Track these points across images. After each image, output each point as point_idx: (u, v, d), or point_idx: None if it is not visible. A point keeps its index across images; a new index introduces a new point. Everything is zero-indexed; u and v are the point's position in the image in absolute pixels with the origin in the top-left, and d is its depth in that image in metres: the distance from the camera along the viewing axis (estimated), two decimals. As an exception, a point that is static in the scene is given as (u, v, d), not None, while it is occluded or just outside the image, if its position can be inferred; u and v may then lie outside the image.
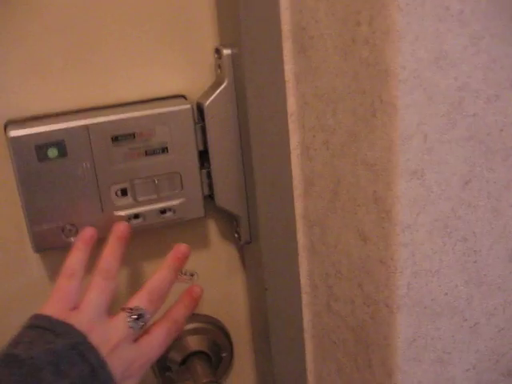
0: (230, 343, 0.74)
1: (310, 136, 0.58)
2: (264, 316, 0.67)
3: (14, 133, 0.56)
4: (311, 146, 0.58)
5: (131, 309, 0.55)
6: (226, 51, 0.60)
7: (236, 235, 0.68)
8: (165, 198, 0.62)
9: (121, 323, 0.54)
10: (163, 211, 0.62)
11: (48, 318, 0.52)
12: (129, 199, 0.61)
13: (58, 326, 0.51)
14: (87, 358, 0.49)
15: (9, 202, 0.61)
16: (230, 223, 0.70)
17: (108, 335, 0.52)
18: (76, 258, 0.57)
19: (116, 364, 0.51)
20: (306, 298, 0.67)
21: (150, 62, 0.62)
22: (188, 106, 0.60)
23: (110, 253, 0.58)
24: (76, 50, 0.59)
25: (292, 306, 0.67)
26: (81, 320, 0.52)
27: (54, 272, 0.64)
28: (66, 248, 0.62)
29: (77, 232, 0.60)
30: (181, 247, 0.61)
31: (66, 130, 0.57)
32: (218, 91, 0.60)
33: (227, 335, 0.73)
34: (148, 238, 0.66)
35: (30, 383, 0.46)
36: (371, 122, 0.49)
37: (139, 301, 0.56)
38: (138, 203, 0.61)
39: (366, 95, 0.49)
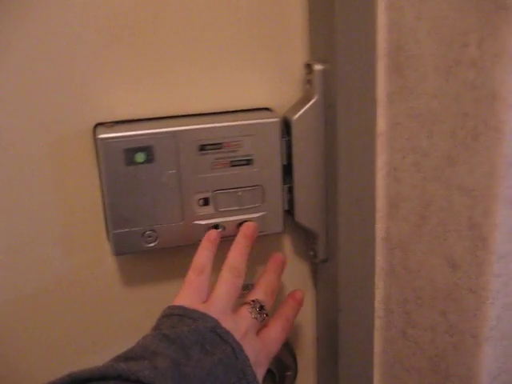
0: (295, 362, 0.72)
1: (398, 157, 0.57)
2: (334, 337, 0.66)
3: (104, 135, 0.57)
4: (399, 168, 0.57)
5: (253, 301, 0.58)
6: (318, 67, 0.59)
7: (311, 253, 0.67)
8: (245, 211, 0.61)
9: (246, 314, 0.56)
10: (242, 224, 0.62)
11: (182, 307, 0.54)
12: (210, 209, 0.60)
13: (193, 312, 0.53)
14: (226, 339, 0.51)
15: (90, 206, 0.62)
16: (304, 241, 0.69)
17: (237, 325, 0.54)
18: (204, 255, 0.58)
19: (248, 350, 0.52)
20: (378, 323, 0.65)
21: (237, 73, 0.62)
22: (276, 119, 0.60)
23: (238, 251, 0.59)
24: (166, 58, 0.60)
25: (364, 329, 0.65)
26: (213, 311, 0.54)
27: (129, 277, 0.65)
28: (143, 253, 0.62)
29: (156, 238, 0.60)
30: (279, 256, 0.64)
31: (154, 135, 0.57)
32: (306, 106, 0.60)
33: (292, 353, 0.72)
34: (224, 250, 0.66)
35: (182, 358, 0.48)
36: (472, 146, 0.47)
37: (258, 295, 0.59)
38: (218, 213, 0.61)
39: (468, 118, 0.47)
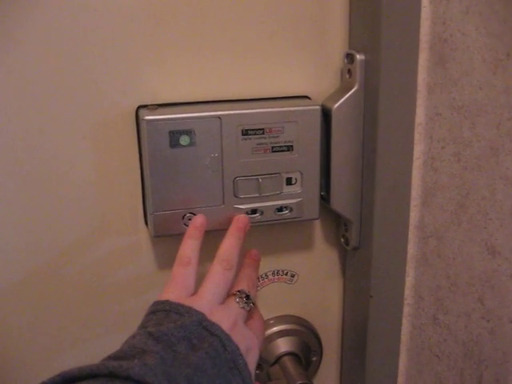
0: (321, 347, 0.74)
1: (437, 147, 0.59)
2: (363, 324, 0.67)
3: (149, 116, 0.57)
4: (438, 157, 0.59)
5: (239, 291, 0.57)
6: (360, 56, 0.60)
7: (342, 240, 0.68)
8: (284, 196, 0.62)
9: (233, 305, 0.56)
10: (280, 209, 0.63)
11: (168, 302, 0.53)
12: (250, 194, 0.62)
13: (179, 307, 0.52)
14: (213, 331, 0.51)
15: (129, 188, 0.63)
16: (336, 228, 0.70)
17: (226, 316, 0.54)
18: (190, 246, 0.58)
19: (239, 340, 0.52)
20: (406, 310, 0.67)
21: (278, 61, 0.63)
22: (318, 106, 0.61)
23: (230, 243, 0.59)
24: (210, 44, 0.61)
25: (393, 316, 0.67)
26: (200, 304, 0.53)
27: (167, 258, 0.66)
28: (182, 236, 0.63)
29: (196, 221, 0.61)
30: (255, 252, 0.65)
31: (200, 118, 0.58)
32: (347, 95, 0.61)
33: (318, 339, 0.73)
34: (259, 234, 0.67)
35: (168, 356, 0.47)
36: (519, 136, 0.49)
37: (242, 286, 0.58)
38: (258, 199, 0.62)
39: (517, 110, 0.49)
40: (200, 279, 0.56)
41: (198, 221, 0.60)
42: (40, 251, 0.62)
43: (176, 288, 0.55)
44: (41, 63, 0.56)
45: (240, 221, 0.61)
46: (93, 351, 0.66)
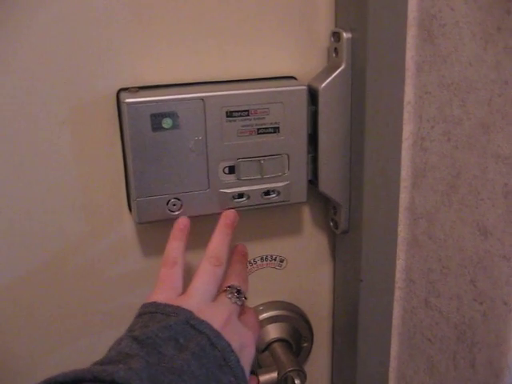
0: (311, 333, 0.73)
1: (427, 126, 0.57)
2: (354, 309, 0.66)
3: (131, 99, 0.55)
4: (427, 137, 0.57)
5: (229, 287, 0.56)
6: (346, 35, 0.59)
7: (331, 223, 0.67)
8: (270, 180, 0.61)
9: (225, 300, 0.55)
10: (267, 193, 0.61)
11: (154, 304, 0.52)
12: (235, 177, 0.60)
13: (166, 307, 0.51)
14: (201, 330, 0.49)
15: (111, 173, 0.61)
16: (325, 211, 0.69)
17: (218, 313, 0.52)
18: (175, 247, 0.57)
19: (232, 336, 0.50)
20: (398, 293, 0.66)
21: (262, 40, 0.62)
22: (304, 86, 0.59)
23: (219, 240, 0.58)
24: (191, 24, 0.59)
25: (384, 300, 0.65)
26: (189, 303, 0.52)
27: (152, 246, 0.64)
28: (167, 222, 0.61)
29: (181, 206, 0.59)
30: (243, 247, 0.65)
31: (182, 100, 0.56)
32: (333, 75, 0.59)
33: (309, 325, 0.72)
34: (246, 219, 0.65)
35: (154, 358, 0.46)
36: (510, 113, 0.48)
37: (232, 281, 0.57)
38: (243, 182, 0.60)
39: (508, 86, 0.47)
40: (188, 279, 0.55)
41: (182, 222, 0.59)
42: (17, 242, 0.60)
43: (164, 289, 0.54)
44: (17, 45, 0.54)
45: (228, 217, 0.59)
46: (81, 349, 0.65)
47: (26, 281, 0.61)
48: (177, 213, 0.59)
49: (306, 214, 0.69)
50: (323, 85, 0.60)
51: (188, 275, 0.56)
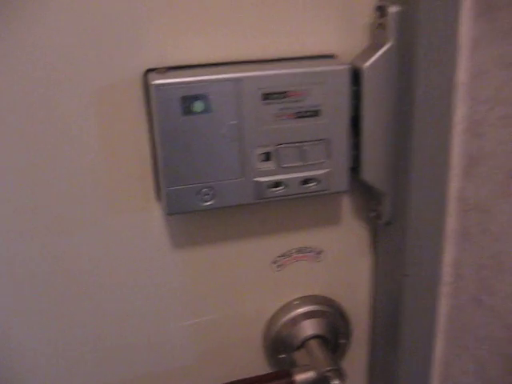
0: (349, 330, 0.69)
1: (482, 110, 0.52)
2: (396, 305, 0.62)
3: (159, 81, 0.51)
4: (483, 122, 0.52)
5: None
6: (393, 9, 0.53)
7: (373, 214, 0.62)
8: (309, 167, 0.56)
9: None
10: (305, 181, 0.57)
11: None
12: (272, 165, 0.55)
13: None
14: None
15: (138, 160, 0.57)
16: (367, 201, 0.64)
17: None
18: None
19: None
20: (444, 289, 0.61)
21: (300, 17, 0.56)
22: (346, 66, 0.54)
23: None
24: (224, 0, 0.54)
25: (429, 296, 0.61)
26: None
27: (181, 238, 0.60)
28: (197, 213, 0.58)
29: (213, 196, 0.55)
30: None
31: (214, 81, 0.52)
32: (378, 53, 0.54)
33: (346, 321, 0.68)
34: (282, 209, 0.62)
35: None
36: None
37: None
38: (280, 170, 0.56)
39: None
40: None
41: None
42: (42, 227, 0.56)
43: None
44: (43, 26, 0.50)
45: None
46: (103, 339, 0.62)
47: (52, 268, 0.58)
48: (209, 203, 0.55)
49: (346, 203, 0.64)
50: (367, 64, 0.55)
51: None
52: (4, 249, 0.56)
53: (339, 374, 0.61)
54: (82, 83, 0.53)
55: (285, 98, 0.54)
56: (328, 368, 0.61)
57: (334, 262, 0.66)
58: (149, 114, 0.55)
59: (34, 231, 0.56)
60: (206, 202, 0.55)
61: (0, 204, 0.55)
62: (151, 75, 0.53)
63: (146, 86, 0.54)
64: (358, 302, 0.69)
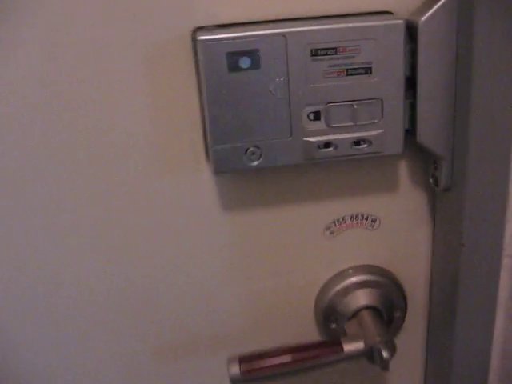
0: (405, 302, 0.66)
1: (549, 65, 0.48)
2: (454, 276, 0.59)
3: (205, 36, 0.51)
4: (549, 77, 0.49)
5: None
6: (453, -41, 0.51)
7: (431, 180, 0.59)
8: (361, 128, 0.54)
9: None
10: (357, 142, 0.55)
11: None
12: (322, 124, 0.54)
13: None
14: None
15: (187, 119, 0.57)
16: (424, 165, 0.61)
17: None
18: None
19: None
20: (506, 262, 0.57)
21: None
22: (400, 20, 0.52)
23: None
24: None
25: (489, 268, 0.58)
26: None
27: (228, 199, 0.60)
28: (244, 173, 0.57)
29: (260, 156, 0.54)
30: None
31: (261, 37, 0.51)
32: (435, 7, 0.51)
33: (402, 292, 0.66)
34: (334, 172, 0.60)
35: None
36: None
37: None
38: (331, 130, 0.54)
39: None
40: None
41: None
42: (94, 193, 0.58)
43: None
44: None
45: None
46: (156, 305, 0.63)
47: (106, 229, 0.59)
48: (256, 163, 0.54)
49: (402, 168, 0.61)
50: (423, 18, 0.52)
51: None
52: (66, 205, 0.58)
53: (390, 346, 0.59)
54: (131, 42, 0.53)
55: (335, 53, 0.52)
56: (378, 339, 0.59)
57: (390, 230, 0.64)
58: (198, 73, 0.55)
59: (89, 193, 0.58)
60: (253, 161, 0.54)
61: (57, 162, 0.56)
62: (199, 32, 0.52)
63: (195, 44, 0.53)
64: (414, 273, 0.66)
